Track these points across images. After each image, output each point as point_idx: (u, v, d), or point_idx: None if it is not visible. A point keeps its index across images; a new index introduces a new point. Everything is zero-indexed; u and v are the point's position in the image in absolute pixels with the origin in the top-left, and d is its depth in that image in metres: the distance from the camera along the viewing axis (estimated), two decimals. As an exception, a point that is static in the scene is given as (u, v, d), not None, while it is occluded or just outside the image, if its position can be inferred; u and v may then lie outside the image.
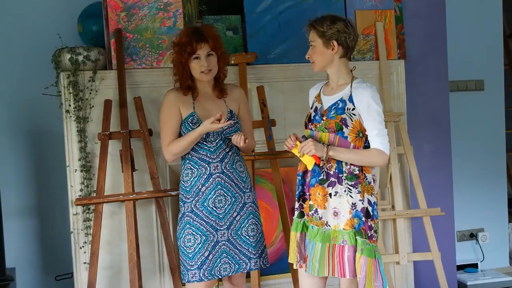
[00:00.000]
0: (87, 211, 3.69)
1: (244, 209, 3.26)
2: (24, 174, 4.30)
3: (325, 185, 3.01)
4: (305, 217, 3.09)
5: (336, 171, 2.99)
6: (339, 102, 3.03)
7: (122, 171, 3.61)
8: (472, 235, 5.05)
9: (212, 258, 3.20)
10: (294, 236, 3.11)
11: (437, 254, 4.08)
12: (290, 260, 3.16)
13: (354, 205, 2.96)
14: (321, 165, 3.01)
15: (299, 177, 3.12)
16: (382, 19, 4.19)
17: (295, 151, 3.02)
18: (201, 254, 3.19)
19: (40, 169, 4.32)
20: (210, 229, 3.20)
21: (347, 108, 3.00)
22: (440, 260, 4.07)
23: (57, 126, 3.86)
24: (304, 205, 3.09)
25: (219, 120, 3.08)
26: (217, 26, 3.95)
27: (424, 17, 4.35)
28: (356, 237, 2.95)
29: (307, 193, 3.08)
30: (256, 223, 3.29)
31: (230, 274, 3.25)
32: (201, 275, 3.19)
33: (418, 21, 4.34)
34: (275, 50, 4.01)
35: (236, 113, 3.31)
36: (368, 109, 2.97)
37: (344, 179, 2.98)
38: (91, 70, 3.69)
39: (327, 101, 3.08)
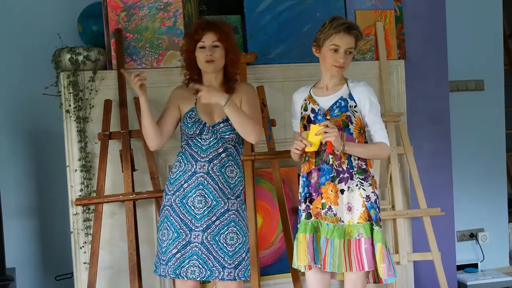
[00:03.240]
0: (87, 211, 3.68)
1: (226, 215, 3.14)
2: (24, 174, 4.30)
3: (336, 181, 3.05)
4: (313, 218, 3.10)
5: (348, 166, 3.05)
6: (340, 100, 3.10)
7: (122, 171, 3.61)
8: (472, 235, 5.05)
9: (180, 257, 3.13)
10: (304, 237, 3.09)
11: (437, 254, 4.07)
12: (300, 262, 3.10)
13: (368, 197, 3.04)
14: (330, 162, 3.05)
15: (304, 179, 3.13)
16: (382, 19, 4.19)
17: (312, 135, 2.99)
18: (169, 251, 3.14)
19: (40, 169, 4.32)
20: (184, 227, 3.13)
21: (350, 106, 3.09)
22: (440, 260, 4.07)
23: (57, 126, 3.86)
24: (311, 206, 3.10)
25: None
26: (217, 26, 3.95)
27: (424, 17, 4.35)
28: (375, 228, 3.02)
29: (314, 194, 3.09)
30: (237, 232, 3.15)
31: (198, 278, 3.13)
32: (166, 272, 3.16)
33: (418, 21, 4.33)
34: (275, 50, 4.01)
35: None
36: (370, 105, 3.09)
37: (355, 174, 3.06)
38: (91, 70, 3.69)
39: (325, 101, 3.13)
